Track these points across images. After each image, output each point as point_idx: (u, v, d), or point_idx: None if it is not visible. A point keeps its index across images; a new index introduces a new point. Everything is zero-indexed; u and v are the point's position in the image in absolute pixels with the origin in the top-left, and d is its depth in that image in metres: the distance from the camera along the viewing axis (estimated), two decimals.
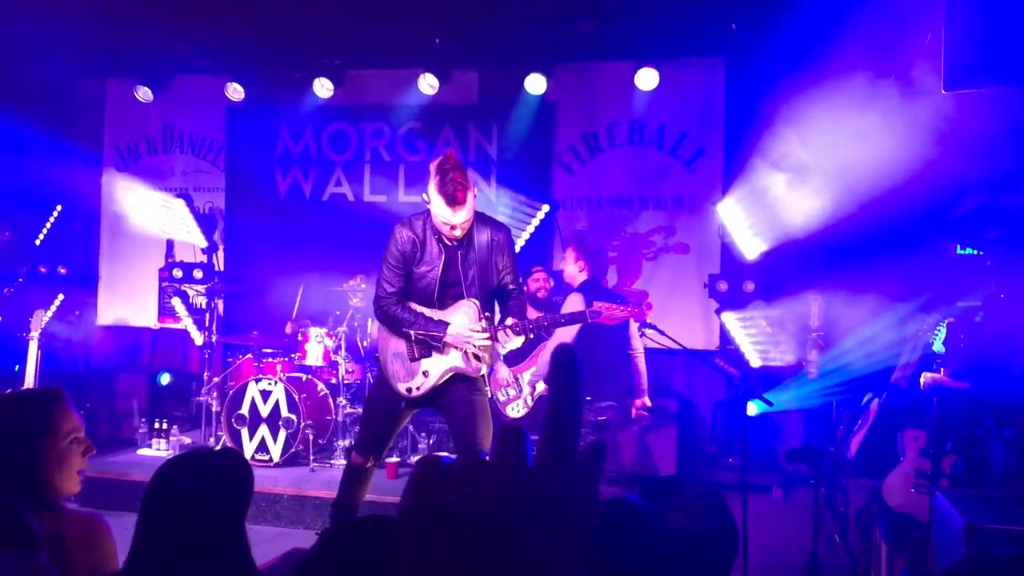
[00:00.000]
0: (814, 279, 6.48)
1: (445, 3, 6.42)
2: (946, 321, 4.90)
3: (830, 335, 6.32)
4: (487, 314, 3.82)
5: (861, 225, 6.08)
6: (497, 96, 7.51)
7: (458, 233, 3.75)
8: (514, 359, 5.64)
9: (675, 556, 1.50)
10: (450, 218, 3.67)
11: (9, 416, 2.10)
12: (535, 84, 7.08)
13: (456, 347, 3.80)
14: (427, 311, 3.85)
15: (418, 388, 3.87)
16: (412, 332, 3.81)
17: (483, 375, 3.91)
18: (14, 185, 7.63)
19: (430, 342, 3.82)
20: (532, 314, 5.74)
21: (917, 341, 5.04)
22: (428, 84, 7.18)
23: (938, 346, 4.83)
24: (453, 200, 3.62)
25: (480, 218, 3.88)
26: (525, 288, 5.87)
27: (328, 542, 1.30)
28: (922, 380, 4.72)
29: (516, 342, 3.81)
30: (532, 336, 3.97)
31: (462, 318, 3.80)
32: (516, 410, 5.58)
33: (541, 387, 5.54)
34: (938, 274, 5.83)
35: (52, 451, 2.09)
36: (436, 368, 3.85)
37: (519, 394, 5.58)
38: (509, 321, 3.77)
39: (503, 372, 5.64)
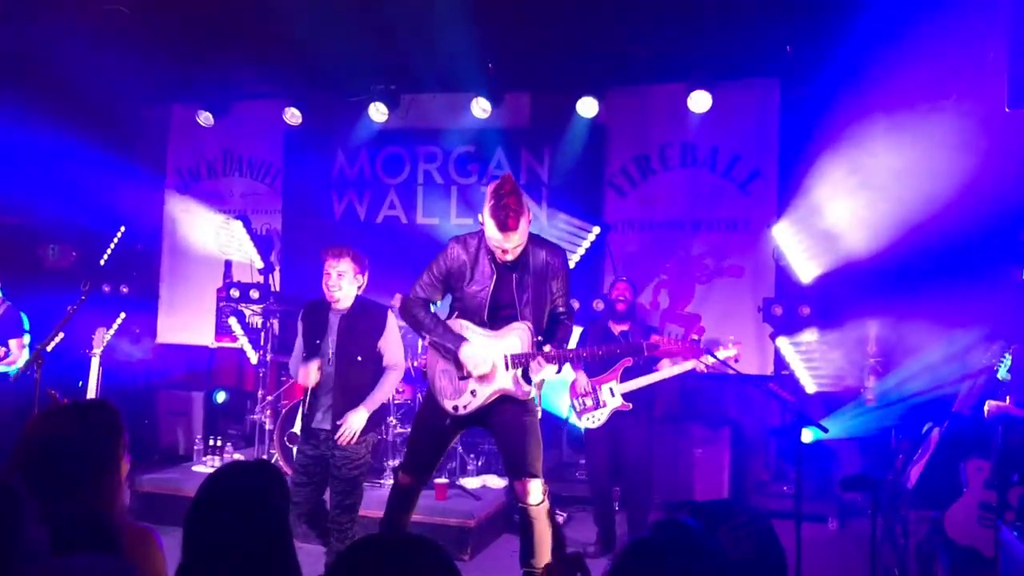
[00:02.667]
0: (872, 303, 6.34)
1: (498, 28, 6.49)
2: (1012, 348, 4.74)
3: (888, 361, 6.17)
4: (539, 338, 3.81)
5: (920, 248, 5.93)
6: (549, 119, 7.54)
7: (510, 257, 3.77)
8: (595, 370, 5.61)
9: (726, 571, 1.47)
10: (501, 242, 3.70)
11: (75, 427, 2.12)
12: (587, 107, 7.09)
13: (464, 364, 3.81)
14: (477, 329, 3.87)
15: (465, 407, 3.87)
16: (428, 336, 3.92)
17: (532, 398, 3.90)
18: (81, 207, 7.89)
19: (441, 351, 3.89)
20: (616, 328, 5.73)
21: (981, 368, 4.88)
22: (481, 108, 7.25)
23: (1003, 374, 4.67)
24: (504, 226, 3.65)
25: (537, 241, 3.91)
26: (610, 297, 5.91)
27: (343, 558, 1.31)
28: (986, 409, 4.57)
29: (548, 371, 3.78)
30: (566, 364, 3.90)
31: (513, 340, 3.81)
32: (592, 421, 5.54)
33: (619, 402, 5.49)
34: (1002, 299, 5.65)
35: (115, 462, 2.13)
36: (484, 388, 3.86)
37: (596, 405, 5.54)
38: (547, 348, 3.76)
39: (582, 381, 5.61)
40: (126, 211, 8.41)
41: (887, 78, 5.97)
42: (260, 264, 8.08)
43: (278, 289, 8.07)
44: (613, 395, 5.53)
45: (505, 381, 3.83)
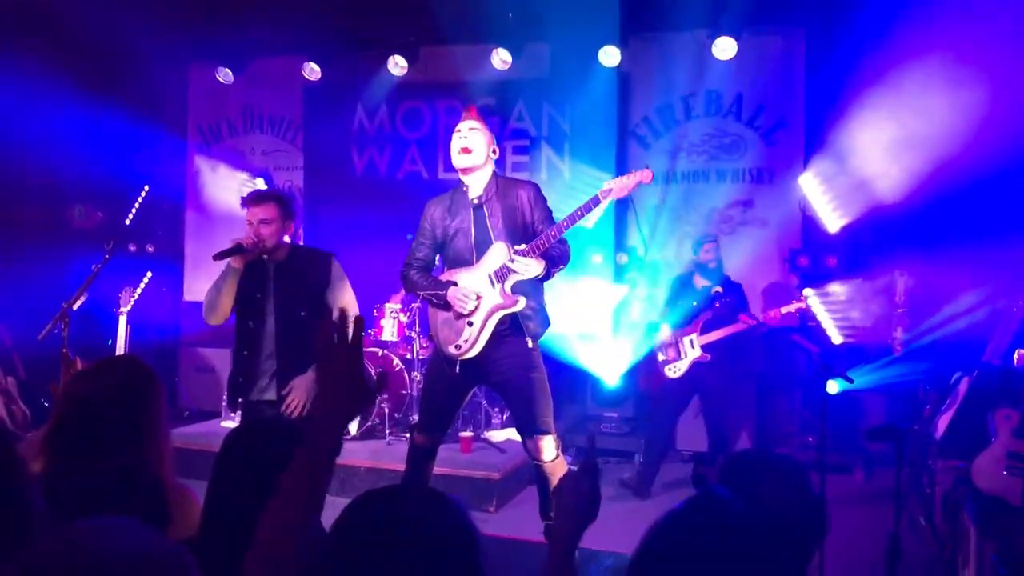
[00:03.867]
0: (900, 253, 6.25)
1: None
2: None
3: (917, 311, 6.09)
4: (514, 247, 3.82)
5: (949, 196, 5.83)
6: (570, 70, 7.42)
7: (466, 136, 3.87)
8: (679, 323, 5.88)
9: (763, 544, 1.43)
10: (457, 128, 3.92)
11: (111, 384, 2.12)
12: (609, 56, 6.97)
13: (453, 305, 3.86)
14: (464, 270, 3.92)
15: (467, 341, 3.87)
16: (422, 294, 4.00)
17: (526, 323, 3.88)
18: (106, 167, 7.93)
19: (434, 300, 3.95)
20: (699, 283, 5.89)
21: (1011, 317, 4.80)
22: (501, 59, 7.15)
23: None
24: (462, 119, 3.94)
25: (505, 180, 4.04)
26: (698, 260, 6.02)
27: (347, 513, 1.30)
28: (1016, 357, 4.50)
29: (529, 267, 3.76)
30: (546, 254, 3.81)
31: (492, 259, 3.85)
32: (674, 371, 5.79)
33: (697, 352, 5.73)
34: None
35: (156, 417, 2.14)
36: (479, 314, 3.86)
37: (678, 356, 5.77)
38: (521, 247, 3.79)
39: (665, 332, 5.87)
40: (150, 170, 8.44)
41: (916, 23, 5.80)
42: None
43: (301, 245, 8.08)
44: (693, 346, 5.76)
45: (494, 298, 3.84)
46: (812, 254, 6.67)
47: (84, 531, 1.08)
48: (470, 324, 3.87)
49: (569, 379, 6.91)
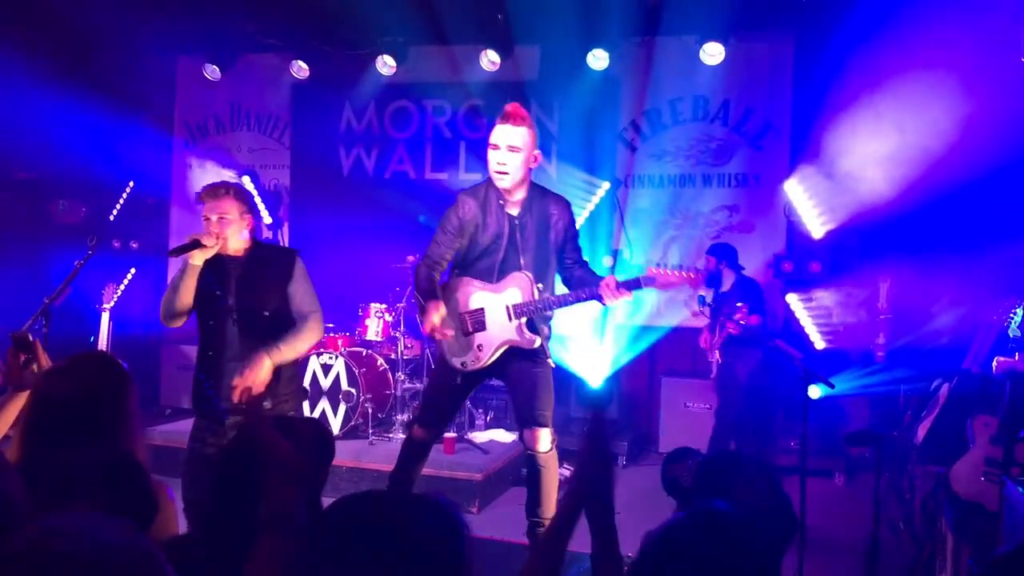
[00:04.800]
0: (883, 260, 6.30)
1: None
2: (1022, 305, 4.70)
3: (899, 317, 6.14)
4: (539, 285, 3.78)
5: (933, 204, 5.88)
6: (559, 72, 7.43)
7: (503, 160, 3.66)
8: (712, 326, 6.21)
9: (761, 553, 1.44)
10: (496, 136, 3.67)
11: (84, 379, 2.11)
12: (597, 60, 6.98)
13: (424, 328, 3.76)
14: (478, 283, 3.83)
15: (473, 361, 3.86)
16: (418, 295, 3.85)
17: (540, 346, 3.85)
18: (90, 162, 7.87)
19: (421, 302, 3.83)
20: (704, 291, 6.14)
21: (991, 325, 4.84)
22: (489, 61, 7.15)
23: (1013, 330, 4.64)
24: (504, 116, 3.68)
25: (540, 191, 3.88)
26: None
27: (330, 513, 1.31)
28: (994, 365, 4.55)
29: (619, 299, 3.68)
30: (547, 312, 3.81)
31: (514, 291, 3.78)
32: (713, 367, 6.22)
33: (716, 353, 6.12)
34: (1014, 256, 5.60)
35: (129, 411, 2.13)
36: (490, 341, 3.84)
37: (712, 357, 6.20)
38: (614, 277, 3.69)
39: (705, 335, 6.23)
40: (135, 166, 8.38)
41: (904, 31, 5.85)
42: (269, 220, 8.07)
43: (287, 244, 8.06)
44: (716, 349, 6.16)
45: (509, 332, 3.80)
46: (796, 259, 6.71)
47: (54, 528, 1.06)
48: (479, 348, 3.85)
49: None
